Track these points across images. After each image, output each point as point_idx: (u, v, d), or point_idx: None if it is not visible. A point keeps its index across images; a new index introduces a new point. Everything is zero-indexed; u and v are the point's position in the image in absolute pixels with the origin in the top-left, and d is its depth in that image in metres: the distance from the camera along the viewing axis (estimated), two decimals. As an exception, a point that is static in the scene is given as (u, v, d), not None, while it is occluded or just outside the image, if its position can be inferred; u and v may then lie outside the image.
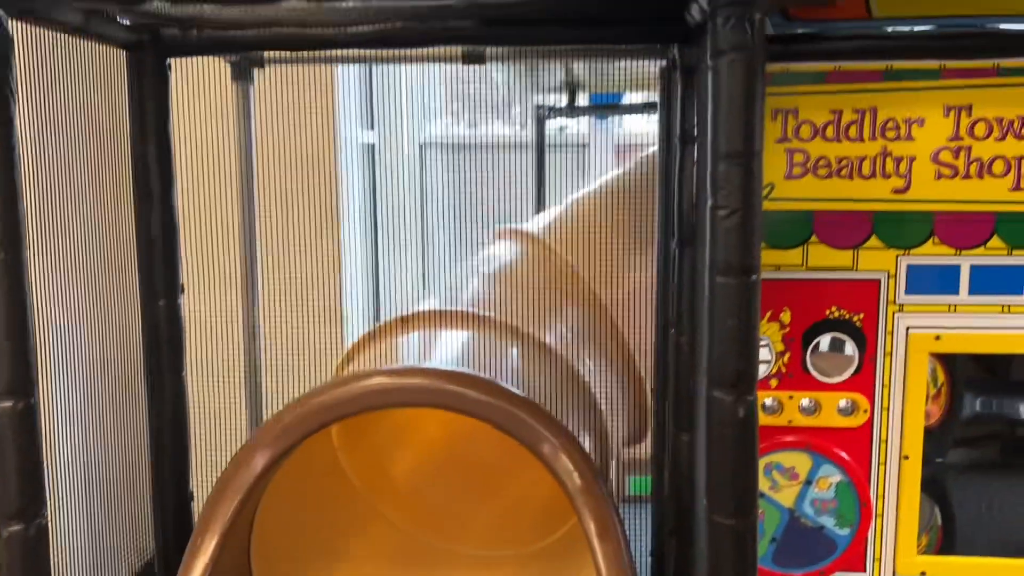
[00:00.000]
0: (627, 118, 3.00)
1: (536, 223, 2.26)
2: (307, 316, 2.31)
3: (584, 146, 3.18)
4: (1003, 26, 1.42)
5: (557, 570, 1.79)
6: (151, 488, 1.56)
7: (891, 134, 1.51)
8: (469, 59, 1.81)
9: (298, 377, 2.19)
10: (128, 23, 1.38)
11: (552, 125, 2.89)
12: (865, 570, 1.62)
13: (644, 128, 2.95)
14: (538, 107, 2.68)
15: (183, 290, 1.56)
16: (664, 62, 1.59)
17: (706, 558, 1.07)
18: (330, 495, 1.87)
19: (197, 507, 1.65)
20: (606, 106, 2.63)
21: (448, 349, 1.88)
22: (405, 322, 1.92)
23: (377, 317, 2.90)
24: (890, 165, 1.52)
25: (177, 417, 1.58)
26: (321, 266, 2.39)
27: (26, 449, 1.16)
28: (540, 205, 2.77)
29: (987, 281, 1.52)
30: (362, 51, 1.76)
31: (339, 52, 1.80)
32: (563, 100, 2.59)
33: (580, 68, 2.36)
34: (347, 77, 2.57)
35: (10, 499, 1.16)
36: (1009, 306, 1.52)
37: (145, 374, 1.53)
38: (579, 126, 3.05)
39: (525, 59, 1.89)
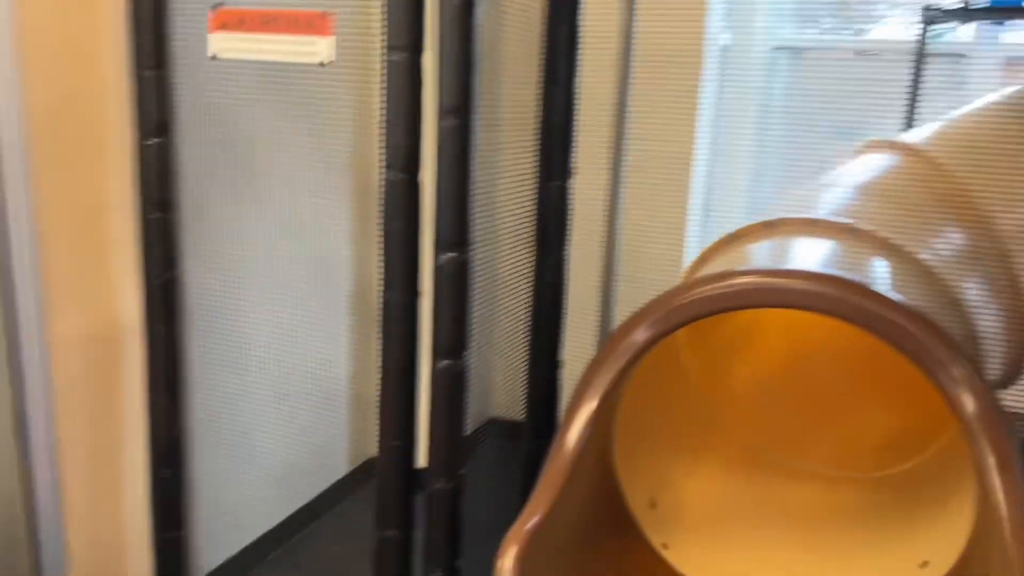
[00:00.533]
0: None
1: (913, 137, 2.07)
2: (657, 208, 2.36)
3: (960, 57, 2.83)
4: None
5: (906, 501, 1.72)
6: (528, 353, 1.72)
7: None
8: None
9: (647, 266, 2.27)
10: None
11: (930, 32, 2.59)
12: None
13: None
14: (925, 8, 2.41)
15: (574, 173, 1.65)
16: None
17: None
18: (672, 393, 1.92)
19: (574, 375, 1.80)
20: (1013, 8, 2.29)
21: (812, 257, 1.82)
22: (768, 227, 1.88)
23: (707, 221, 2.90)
24: None
25: (556, 291, 1.70)
26: (674, 163, 2.42)
27: (460, 296, 1.33)
28: (910, 120, 2.54)
29: None
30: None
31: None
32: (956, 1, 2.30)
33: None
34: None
35: (443, 337, 1.35)
36: None
37: (534, 248, 1.66)
38: (957, 35, 2.71)
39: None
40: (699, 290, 1.42)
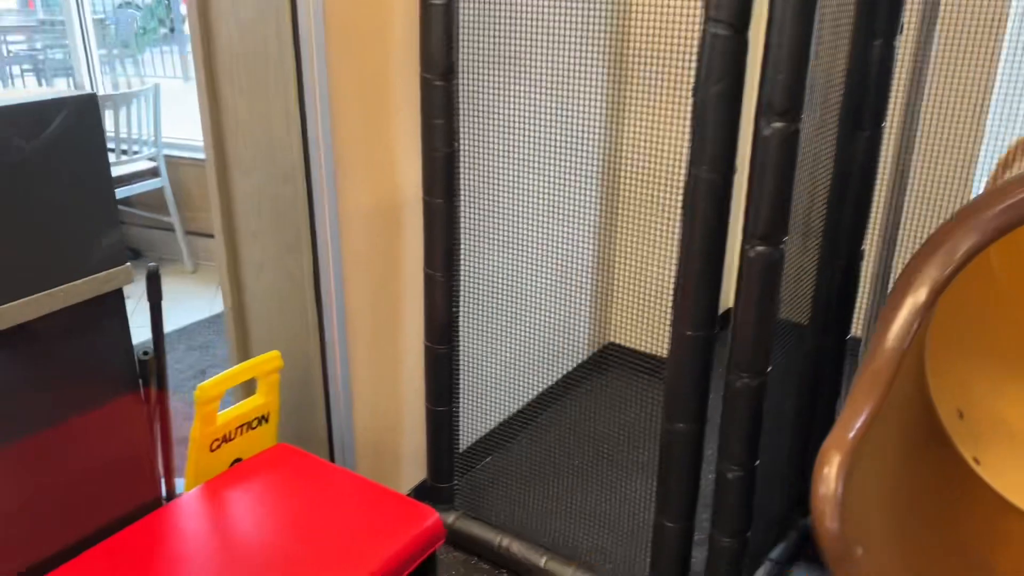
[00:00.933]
0: None
1: None
2: (960, 85, 2.03)
3: None
4: None
5: None
6: (822, 236, 1.53)
7: None
8: None
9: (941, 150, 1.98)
10: None
11: None
12: None
13: None
14: None
15: (903, 30, 1.39)
16: None
17: None
18: (982, 297, 1.67)
19: (866, 267, 1.60)
20: None
21: None
22: None
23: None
24: None
25: (867, 171, 1.49)
26: (984, 36, 2.05)
27: (785, 173, 1.17)
28: None
29: None
30: None
31: None
32: None
33: None
34: None
35: (761, 220, 1.20)
36: None
37: (841, 119, 1.44)
38: None
39: None
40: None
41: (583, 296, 2.30)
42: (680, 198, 2.23)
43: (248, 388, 1.48)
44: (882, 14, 1.39)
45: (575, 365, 2.36)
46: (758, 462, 1.34)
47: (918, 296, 1.26)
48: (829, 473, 1.15)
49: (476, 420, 1.98)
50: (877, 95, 1.44)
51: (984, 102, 2.14)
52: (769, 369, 1.28)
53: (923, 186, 2.01)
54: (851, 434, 1.18)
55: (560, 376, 2.30)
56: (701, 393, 1.33)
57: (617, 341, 2.50)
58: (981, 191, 1.79)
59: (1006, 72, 2.21)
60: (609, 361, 2.49)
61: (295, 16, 1.28)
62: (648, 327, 2.41)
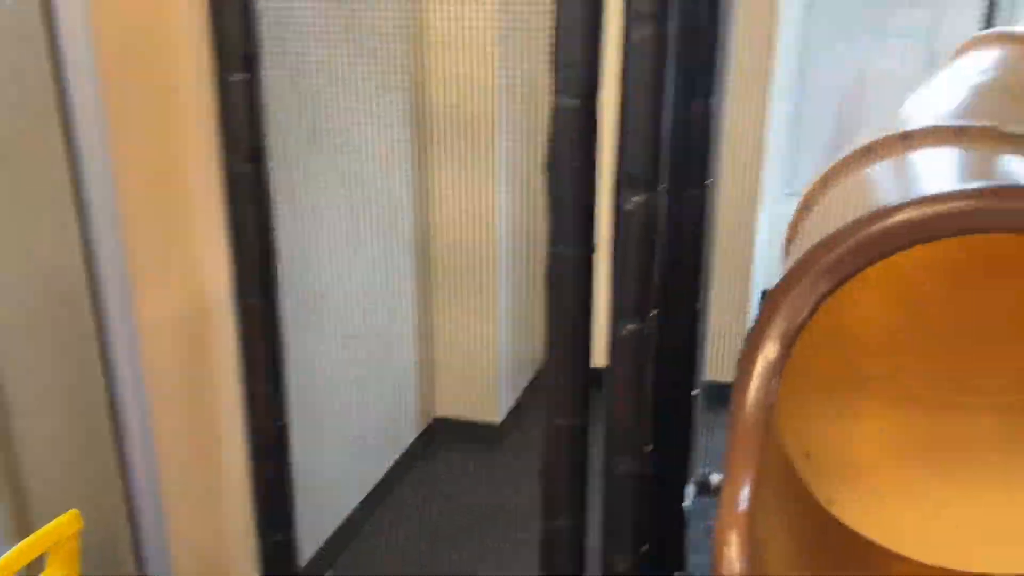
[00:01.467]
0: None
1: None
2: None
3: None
4: None
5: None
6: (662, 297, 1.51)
7: None
8: None
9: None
10: None
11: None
12: None
13: None
14: None
15: (719, 92, 1.42)
16: None
17: None
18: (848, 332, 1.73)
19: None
20: None
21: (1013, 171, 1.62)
22: (906, 139, 1.68)
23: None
24: None
25: (698, 226, 1.49)
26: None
27: (647, 247, 1.11)
28: (990, 18, 2.35)
29: None
30: None
31: None
32: None
33: None
34: None
35: (628, 297, 1.13)
36: None
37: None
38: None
39: None
40: (924, 209, 1.22)
41: (408, 375, 2.15)
42: (492, 262, 2.16)
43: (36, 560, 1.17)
44: (701, 77, 1.40)
45: (405, 449, 2.19)
46: (646, 547, 1.27)
47: (768, 353, 1.25)
48: (731, 554, 1.10)
49: (310, 532, 1.75)
50: (701, 154, 1.45)
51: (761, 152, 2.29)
52: (648, 448, 1.22)
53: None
54: (741, 508, 1.14)
55: (391, 464, 2.12)
56: (579, 483, 1.24)
57: (443, 415, 2.36)
58: (785, 244, 1.87)
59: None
60: (439, 437, 2.35)
61: (65, 107, 1.03)
62: (474, 395, 2.30)
